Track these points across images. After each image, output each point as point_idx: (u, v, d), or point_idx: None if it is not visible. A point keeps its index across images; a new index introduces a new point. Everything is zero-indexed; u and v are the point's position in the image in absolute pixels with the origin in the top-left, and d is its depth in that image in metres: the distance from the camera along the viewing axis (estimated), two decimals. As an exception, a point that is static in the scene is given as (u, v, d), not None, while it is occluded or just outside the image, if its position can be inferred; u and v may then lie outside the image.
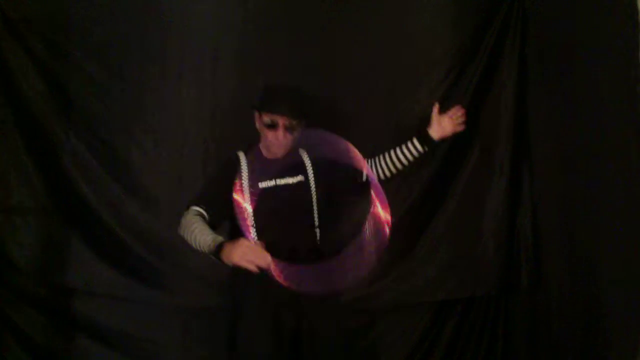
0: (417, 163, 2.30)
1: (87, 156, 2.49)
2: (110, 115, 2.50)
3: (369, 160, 2.28)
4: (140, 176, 2.52)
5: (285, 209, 2.05)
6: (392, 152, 2.25)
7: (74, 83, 2.49)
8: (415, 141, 2.22)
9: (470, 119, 2.55)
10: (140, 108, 2.52)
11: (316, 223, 2.11)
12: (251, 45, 2.50)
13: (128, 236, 2.50)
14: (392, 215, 2.35)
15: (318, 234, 2.12)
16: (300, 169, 2.13)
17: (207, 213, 2.00)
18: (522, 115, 2.55)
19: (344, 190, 2.30)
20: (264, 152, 2.13)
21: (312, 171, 2.13)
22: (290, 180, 2.09)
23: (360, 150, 2.50)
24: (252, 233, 2.00)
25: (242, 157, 2.11)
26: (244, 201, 2.01)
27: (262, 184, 2.06)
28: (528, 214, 2.58)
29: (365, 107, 2.55)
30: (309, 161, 2.15)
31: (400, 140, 2.56)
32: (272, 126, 2.02)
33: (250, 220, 2.00)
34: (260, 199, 2.03)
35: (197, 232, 1.91)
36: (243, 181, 2.04)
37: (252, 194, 2.03)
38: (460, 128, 2.30)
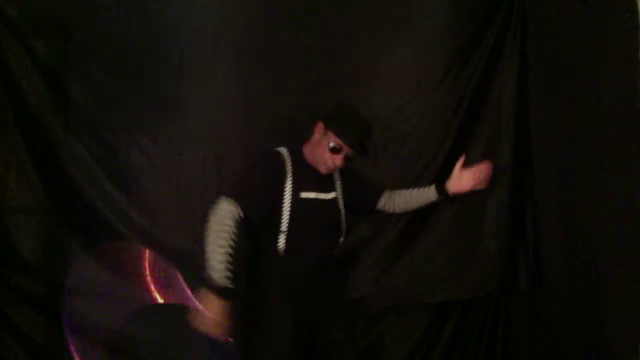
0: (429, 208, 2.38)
1: (87, 156, 2.49)
2: (110, 115, 2.50)
3: (387, 193, 2.36)
4: (140, 177, 2.51)
5: (319, 222, 2.08)
6: (408, 193, 2.33)
7: (74, 83, 2.49)
8: (433, 189, 2.29)
9: (471, 119, 2.57)
10: (140, 108, 2.52)
11: (342, 239, 2.18)
12: (251, 45, 2.50)
13: (128, 236, 2.50)
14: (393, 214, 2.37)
15: (341, 241, 2.19)
16: (333, 185, 2.18)
17: (245, 212, 1.92)
18: (522, 115, 2.55)
19: (359, 211, 2.38)
20: (309, 159, 2.11)
21: (340, 189, 2.19)
22: (325, 196, 2.11)
23: (359, 150, 2.52)
24: (281, 240, 2.00)
25: (287, 157, 2.06)
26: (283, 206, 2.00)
27: (304, 194, 2.04)
28: (529, 215, 2.58)
29: (365, 107, 2.54)
30: (339, 179, 2.21)
31: (400, 139, 2.57)
32: (336, 151, 2.02)
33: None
34: (299, 208, 2.02)
35: (218, 247, 1.84)
36: (286, 184, 2.01)
37: (292, 200, 2.01)
38: (481, 186, 2.32)
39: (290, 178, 2.02)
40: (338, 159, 2.02)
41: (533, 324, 2.58)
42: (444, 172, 2.56)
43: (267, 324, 2.03)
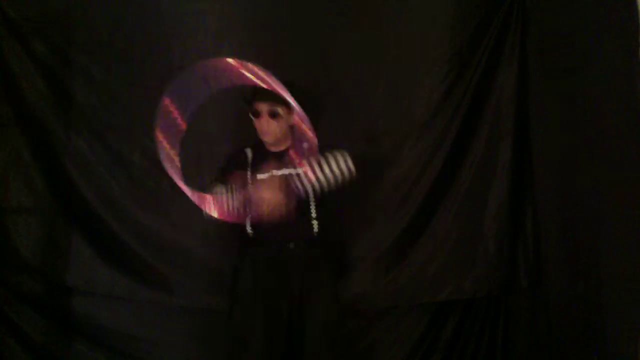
0: None
1: (87, 156, 2.49)
2: (110, 115, 2.50)
3: None
4: (141, 176, 2.51)
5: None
6: None
7: (75, 83, 2.50)
8: None
9: (471, 119, 2.57)
10: (140, 108, 2.51)
11: (313, 214, 2.10)
12: (252, 45, 2.50)
13: (128, 236, 2.50)
14: (393, 214, 2.34)
15: (316, 226, 2.11)
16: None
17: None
18: (522, 115, 2.55)
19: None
20: (266, 145, 2.16)
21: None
22: (287, 171, 2.06)
23: (360, 150, 2.52)
24: (248, 225, 2.06)
25: (248, 152, 2.16)
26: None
27: (260, 176, 2.06)
28: (529, 215, 2.58)
29: (365, 107, 2.55)
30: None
31: (399, 139, 2.56)
32: (256, 114, 2.08)
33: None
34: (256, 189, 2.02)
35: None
36: (248, 174, 2.07)
37: (251, 185, 2.03)
38: None
39: (250, 166, 2.10)
40: (264, 121, 2.07)
41: (533, 324, 2.58)
42: (444, 172, 2.57)
43: (235, 313, 2.08)
